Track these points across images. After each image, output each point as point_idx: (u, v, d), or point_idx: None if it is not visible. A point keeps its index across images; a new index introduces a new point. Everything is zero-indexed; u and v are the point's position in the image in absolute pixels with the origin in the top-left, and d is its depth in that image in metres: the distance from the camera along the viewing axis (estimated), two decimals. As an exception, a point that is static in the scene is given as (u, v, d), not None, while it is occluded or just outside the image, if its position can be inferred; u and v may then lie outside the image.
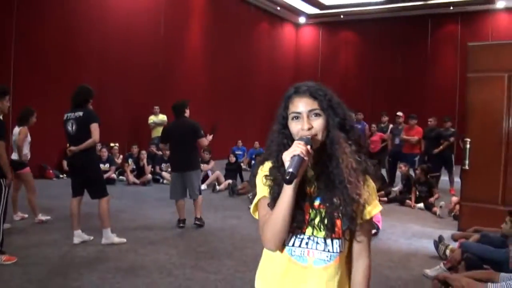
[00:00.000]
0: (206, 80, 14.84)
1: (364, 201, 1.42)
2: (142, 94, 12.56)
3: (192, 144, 6.09)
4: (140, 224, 6.47)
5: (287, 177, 1.31)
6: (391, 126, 11.01)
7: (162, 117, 12.17)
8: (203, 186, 9.93)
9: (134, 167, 10.85)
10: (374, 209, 1.47)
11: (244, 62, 16.39)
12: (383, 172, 10.33)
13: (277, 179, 1.43)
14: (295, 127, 1.45)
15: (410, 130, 9.95)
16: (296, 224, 1.41)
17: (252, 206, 1.53)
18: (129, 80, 12.26)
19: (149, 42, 12.80)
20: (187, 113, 6.15)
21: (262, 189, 1.46)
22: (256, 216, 1.52)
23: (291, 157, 1.33)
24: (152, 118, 12.24)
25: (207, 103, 14.29)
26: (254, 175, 1.54)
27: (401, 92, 16.57)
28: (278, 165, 1.44)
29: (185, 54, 14.23)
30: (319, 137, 1.42)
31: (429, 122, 10.20)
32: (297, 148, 1.34)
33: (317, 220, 1.43)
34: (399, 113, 10.64)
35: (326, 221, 1.42)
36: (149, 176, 10.59)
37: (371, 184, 1.47)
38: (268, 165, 1.50)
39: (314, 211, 1.43)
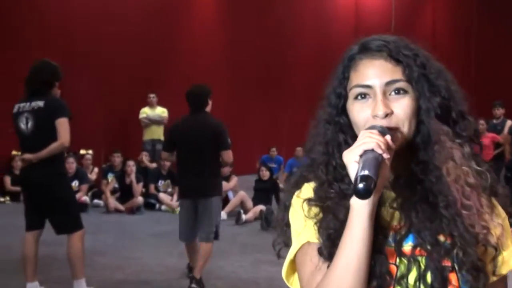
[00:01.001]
0: (224, 58, 15.02)
1: (496, 240, 1.34)
2: (130, 78, 12.79)
3: (214, 155, 6.09)
4: (129, 274, 6.56)
5: (360, 185, 1.18)
6: (509, 122, 11.28)
7: (161, 111, 12.37)
8: (223, 215, 9.89)
9: (117, 185, 11.09)
10: None
11: (280, 32, 16.41)
12: None
13: (333, 203, 1.36)
14: (360, 112, 1.37)
15: None
16: (377, 283, 1.30)
17: (285, 267, 1.43)
18: (110, 58, 12.49)
19: (139, 7, 13.12)
20: (209, 106, 6.15)
21: (304, 229, 1.38)
22: (293, 285, 1.45)
23: (361, 155, 1.24)
24: (145, 111, 12.44)
25: (225, 92, 14.21)
26: (284, 209, 1.48)
27: None
28: (331, 179, 1.39)
29: (193, 23, 14.45)
30: (405, 129, 1.34)
31: None
32: (369, 140, 1.25)
33: (412, 276, 1.32)
34: None
35: (430, 278, 1.31)
36: (140, 199, 10.82)
37: (502, 212, 1.40)
38: (309, 187, 1.44)
39: (406, 260, 1.33)
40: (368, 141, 1.24)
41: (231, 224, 9.66)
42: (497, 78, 17.12)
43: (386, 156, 1.24)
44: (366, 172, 1.18)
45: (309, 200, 1.39)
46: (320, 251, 1.32)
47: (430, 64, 1.40)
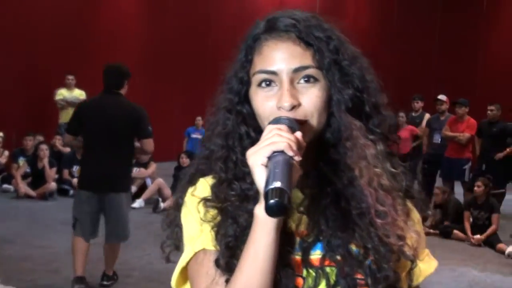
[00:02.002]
0: (145, 39, 14.91)
1: (412, 251, 1.26)
2: (49, 58, 12.51)
3: (128, 143, 5.70)
4: (38, 263, 6.41)
5: (273, 201, 1.04)
6: (427, 115, 11.31)
7: (79, 93, 12.12)
8: (139, 203, 9.89)
9: (29, 170, 10.85)
10: (428, 266, 1.35)
11: (201, 11, 16.33)
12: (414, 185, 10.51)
13: (232, 205, 1.25)
14: (264, 102, 1.25)
15: (457, 123, 10.24)
16: None
17: (175, 275, 1.30)
18: (28, 39, 12.21)
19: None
20: (125, 89, 5.71)
21: (199, 234, 1.26)
22: None
23: (269, 157, 1.11)
24: (62, 93, 12.16)
25: (146, 75, 14.09)
26: (176, 207, 1.35)
27: (444, 66, 17.09)
28: (231, 177, 1.28)
29: (113, 2, 14.36)
30: (313, 122, 1.23)
31: (488, 112, 10.52)
32: (278, 139, 1.12)
33: None
34: (442, 97, 10.88)
35: None
36: (53, 185, 10.60)
37: (416, 216, 1.33)
38: (205, 183, 1.31)
39: (314, 272, 1.23)
40: (277, 140, 1.12)
41: (148, 212, 9.54)
42: (417, 69, 17.49)
43: (298, 158, 1.12)
44: (277, 184, 1.05)
45: (205, 201, 1.27)
46: (217, 263, 1.20)
47: (345, 48, 1.28)
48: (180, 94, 15.43)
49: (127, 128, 5.51)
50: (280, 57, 1.23)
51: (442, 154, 10.33)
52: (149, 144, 5.69)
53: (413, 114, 11.65)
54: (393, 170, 1.27)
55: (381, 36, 18.18)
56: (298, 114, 1.21)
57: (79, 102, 6.13)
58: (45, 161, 10.59)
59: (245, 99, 1.30)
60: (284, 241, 1.18)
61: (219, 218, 1.24)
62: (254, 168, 1.12)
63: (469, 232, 8.58)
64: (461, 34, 17.13)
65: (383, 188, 1.24)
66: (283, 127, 1.15)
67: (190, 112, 14.03)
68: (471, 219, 8.74)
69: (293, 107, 1.20)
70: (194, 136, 13.27)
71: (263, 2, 17.52)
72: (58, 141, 11.68)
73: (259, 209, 1.11)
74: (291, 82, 1.22)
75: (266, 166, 1.10)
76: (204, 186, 1.30)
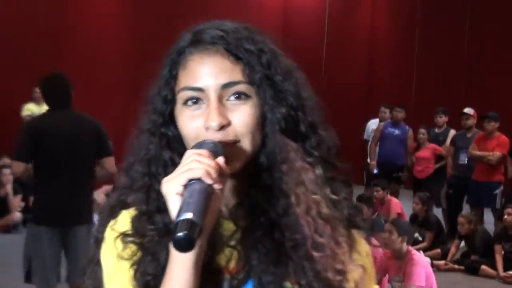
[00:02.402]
0: (125, 52, 14.55)
1: (356, 286, 1.25)
2: (14, 70, 12.17)
3: (92, 165, 5.31)
4: None
5: (180, 234, 1.03)
6: (452, 132, 10.87)
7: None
8: None
9: None
10: None
11: (194, 23, 16.10)
12: (438, 213, 10.24)
13: (152, 241, 1.24)
14: (189, 122, 1.24)
15: (486, 140, 9.79)
16: None
17: None
18: None
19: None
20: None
21: (116, 273, 1.25)
22: None
23: (185, 185, 1.10)
24: (29, 109, 11.80)
25: (128, 82, 14.04)
26: (95, 243, 1.32)
27: (471, 76, 16.37)
28: (153, 209, 1.26)
29: (90, 10, 13.93)
30: (245, 144, 1.22)
31: None
32: (196, 165, 1.11)
33: None
34: (468, 110, 10.40)
35: None
36: (17, 215, 10.07)
37: (364, 249, 1.31)
38: (127, 216, 1.29)
39: None
40: (194, 166, 1.11)
41: None
42: (442, 80, 16.86)
43: (218, 186, 1.11)
44: (188, 216, 1.04)
45: (124, 236, 1.25)
46: None
47: (278, 62, 1.27)
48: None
49: (89, 147, 5.22)
50: (207, 72, 1.22)
51: (469, 177, 9.83)
52: (111, 163, 5.34)
53: (436, 130, 11.04)
54: (333, 196, 1.26)
55: (400, 42, 17.97)
56: (228, 135, 1.20)
57: (26, 122, 5.59)
58: (8, 188, 10.11)
59: (170, 120, 1.28)
60: (210, 279, 1.20)
61: (139, 254, 1.23)
62: (167, 197, 1.12)
63: (500, 268, 8.16)
64: (491, 42, 16.49)
65: (322, 217, 1.23)
66: (204, 151, 1.14)
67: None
68: (502, 253, 8.36)
69: (222, 127, 1.19)
70: None
71: (266, 16, 17.55)
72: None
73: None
74: (220, 99, 1.21)
75: (182, 195, 1.10)
76: (125, 219, 1.29)
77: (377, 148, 11.02)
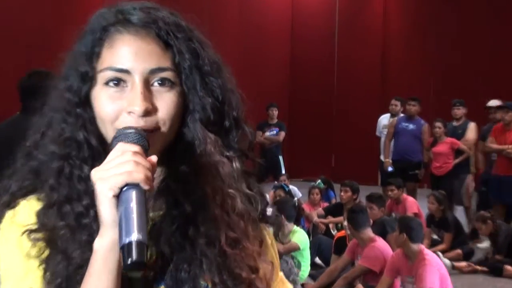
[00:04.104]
0: None
1: (265, 284, 1.28)
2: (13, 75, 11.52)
3: None
4: None
5: (135, 258, 1.01)
6: (472, 125, 10.57)
7: None
8: None
9: None
10: None
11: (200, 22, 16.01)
12: (459, 213, 10.09)
13: (63, 237, 1.16)
14: (109, 103, 1.19)
15: (505, 132, 9.59)
16: None
17: None
18: None
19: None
20: None
21: (23, 273, 1.17)
22: None
23: (121, 188, 1.06)
24: None
25: None
26: None
27: (492, 66, 15.87)
28: (63, 198, 1.19)
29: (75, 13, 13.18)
30: (165, 131, 1.20)
31: None
32: (134, 168, 1.06)
33: None
34: (493, 103, 10.40)
35: None
36: None
37: (269, 240, 1.38)
38: (27, 206, 1.22)
39: None
40: (133, 169, 1.05)
41: None
42: (460, 71, 16.37)
43: (151, 190, 1.08)
44: (139, 237, 1.02)
45: (30, 232, 1.17)
46: None
47: (206, 53, 1.26)
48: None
49: None
50: (135, 54, 1.19)
51: (495, 173, 9.73)
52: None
53: (454, 123, 10.80)
54: (248, 191, 1.29)
55: (415, 30, 17.52)
56: (150, 121, 1.18)
57: None
58: None
59: (86, 100, 1.23)
60: (123, 278, 1.14)
61: (47, 252, 1.16)
62: (101, 197, 1.06)
63: None
64: (508, 27, 16.20)
65: (236, 212, 1.25)
66: (137, 149, 1.09)
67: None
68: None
69: (147, 113, 1.17)
70: None
71: (273, 12, 17.00)
72: None
73: (100, 243, 1.07)
74: (146, 84, 1.19)
75: (118, 201, 1.06)
76: (26, 210, 1.21)
77: (392, 145, 10.74)
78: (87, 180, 1.14)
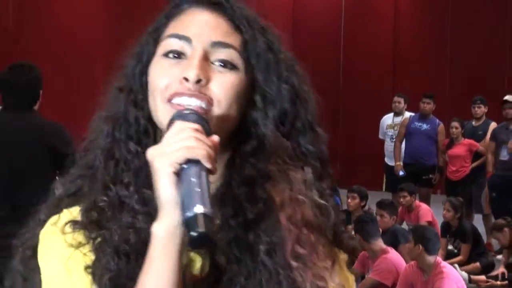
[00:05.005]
0: (108, 56, 14.15)
1: None
2: None
3: (40, 182, 4.48)
4: None
5: (201, 230, 0.99)
6: (493, 125, 10.29)
7: None
8: None
9: None
10: None
11: None
12: (478, 221, 9.89)
13: (110, 224, 1.15)
14: (164, 71, 1.18)
15: None
16: None
17: None
18: None
19: None
20: (38, 103, 4.82)
21: (68, 274, 1.14)
22: None
23: (183, 169, 1.04)
24: None
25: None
26: (37, 224, 1.24)
27: (503, 63, 15.58)
28: (109, 180, 1.19)
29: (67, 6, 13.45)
30: (218, 113, 1.16)
31: None
32: (195, 144, 1.05)
33: None
34: (510, 98, 9.95)
35: None
36: None
37: (342, 257, 1.26)
38: (71, 215, 1.19)
39: None
40: (194, 145, 1.04)
41: None
42: (478, 66, 15.89)
43: (214, 171, 1.06)
44: (205, 209, 1.00)
45: (75, 223, 1.16)
46: None
47: (281, 47, 1.26)
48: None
49: (47, 159, 4.65)
50: (200, 25, 1.20)
51: None
52: None
53: (474, 123, 10.54)
54: (321, 201, 1.22)
55: (430, 24, 17.03)
56: (203, 92, 1.16)
57: None
58: None
59: (142, 75, 1.23)
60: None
61: (91, 245, 1.14)
62: (161, 174, 1.05)
63: None
64: None
65: (307, 224, 1.19)
66: (199, 127, 1.08)
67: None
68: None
69: (199, 81, 1.14)
70: None
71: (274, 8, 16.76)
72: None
73: (159, 227, 1.06)
74: (205, 56, 1.17)
75: (179, 176, 1.05)
76: (67, 219, 1.19)
77: (403, 147, 10.43)
78: (132, 160, 1.18)
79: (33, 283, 1.20)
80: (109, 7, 14.34)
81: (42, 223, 1.21)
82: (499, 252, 8.91)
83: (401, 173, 10.14)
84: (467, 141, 10.17)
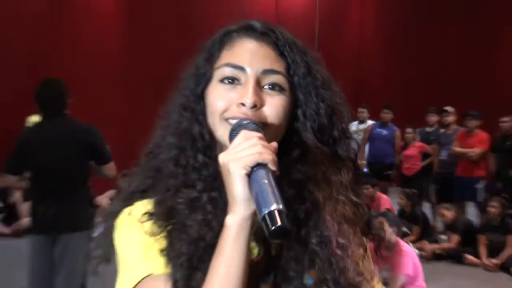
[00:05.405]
0: (123, 64, 14.54)
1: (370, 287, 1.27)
2: (15, 80, 12.04)
3: (83, 173, 5.01)
4: None
5: (279, 224, 1.03)
6: (442, 130, 10.95)
7: None
8: None
9: (0, 205, 10.64)
10: None
11: (192, 33, 15.58)
12: (427, 208, 10.48)
13: (183, 218, 1.20)
14: (221, 96, 1.22)
15: (467, 138, 9.92)
16: None
17: None
18: None
19: (29, 5, 12.60)
20: (67, 109, 5.05)
21: (143, 257, 1.19)
22: None
23: (253, 171, 1.08)
24: (33, 120, 11.62)
25: (126, 102, 13.83)
26: (110, 216, 1.29)
27: (454, 77, 16.61)
28: (179, 184, 1.23)
29: (90, 25, 13.93)
30: (270, 132, 1.19)
31: (501, 124, 10.23)
32: (264, 150, 1.09)
33: None
34: (449, 108, 10.64)
35: None
36: (26, 221, 9.87)
37: (370, 259, 1.34)
38: (142, 207, 1.25)
39: None
40: (262, 151, 1.08)
41: None
42: (427, 80, 17.04)
43: (277, 173, 1.09)
44: (279, 206, 1.04)
45: (150, 215, 1.21)
46: (175, 285, 1.14)
47: (318, 67, 1.29)
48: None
49: (81, 155, 4.87)
50: (252, 55, 1.22)
51: (451, 172, 10.01)
52: (111, 169, 5.04)
53: (427, 129, 11.18)
54: (356, 200, 1.26)
55: (385, 52, 17.96)
56: (258, 115, 1.18)
57: (19, 137, 5.20)
58: (17, 196, 10.18)
59: (201, 96, 1.26)
60: None
61: (163, 235, 1.19)
62: (235, 176, 1.08)
63: (484, 258, 8.37)
64: (474, 44, 16.87)
65: (346, 220, 1.23)
66: (260, 135, 1.11)
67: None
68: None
69: (254, 106, 1.17)
70: None
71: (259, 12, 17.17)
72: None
73: (232, 219, 1.09)
74: (258, 83, 1.20)
75: (250, 178, 1.08)
76: (141, 209, 1.24)
77: (366, 148, 11.08)
78: (201, 168, 1.21)
79: (114, 264, 1.24)
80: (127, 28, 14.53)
81: (116, 214, 1.26)
82: (443, 233, 9.59)
83: (365, 169, 10.60)
84: (418, 144, 10.78)
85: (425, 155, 10.86)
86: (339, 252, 1.21)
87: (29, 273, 5.03)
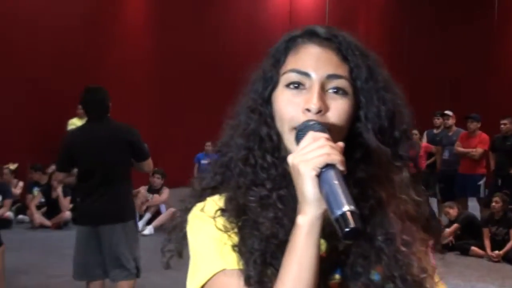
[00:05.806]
0: (154, 69, 14.95)
1: (433, 284, 1.24)
2: (57, 87, 12.45)
3: (125, 169, 5.35)
4: None
5: (353, 225, 1.02)
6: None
7: None
8: (149, 230, 9.83)
9: (43, 200, 10.87)
10: None
11: (213, 39, 16.19)
12: (433, 203, 10.54)
13: (254, 215, 1.19)
14: (289, 103, 1.22)
15: (469, 138, 10.19)
16: None
17: None
18: (34, 66, 12.25)
19: (65, 16, 12.93)
20: (109, 112, 5.38)
21: (216, 253, 1.19)
22: None
23: (322, 172, 1.07)
24: (74, 123, 11.77)
25: (157, 105, 14.19)
26: (184, 212, 1.30)
27: (455, 82, 17.02)
28: (248, 183, 1.23)
29: (122, 32, 14.36)
30: (333, 136, 1.16)
31: (501, 126, 10.39)
32: (332, 151, 1.09)
33: None
34: (448, 112, 10.85)
35: None
36: (67, 214, 10.54)
37: (431, 254, 1.32)
38: (213, 203, 1.25)
39: None
40: (330, 152, 1.07)
41: (160, 240, 9.27)
42: (431, 85, 17.42)
43: (344, 173, 1.08)
44: (351, 208, 1.03)
45: (223, 211, 1.21)
46: (248, 282, 1.13)
47: (379, 70, 1.28)
48: (188, 118, 15.15)
49: (122, 153, 5.22)
50: (317, 61, 1.21)
51: (453, 170, 10.31)
52: (149, 165, 5.49)
53: (434, 131, 11.51)
54: (417, 198, 1.26)
55: (390, 58, 17.70)
56: (322, 120, 1.18)
57: (66, 137, 5.69)
58: (59, 191, 10.58)
59: (268, 100, 1.26)
60: None
61: (234, 231, 1.19)
62: (305, 177, 1.07)
63: (488, 250, 8.54)
64: (473, 48, 17.15)
65: (409, 217, 1.22)
66: (327, 136, 1.11)
67: (199, 137, 14.19)
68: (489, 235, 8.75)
69: (320, 111, 1.17)
70: (204, 162, 12.73)
71: (274, 23, 17.43)
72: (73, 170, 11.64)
73: (303, 219, 1.08)
74: (322, 87, 1.19)
75: (320, 179, 1.07)
76: (213, 205, 1.24)
77: None
78: (269, 168, 1.20)
79: (186, 257, 1.25)
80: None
81: (189, 209, 1.27)
82: (447, 226, 9.25)
83: None
84: (424, 144, 11.08)
85: (429, 155, 11.25)
86: (404, 249, 1.19)
87: (73, 261, 5.29)
